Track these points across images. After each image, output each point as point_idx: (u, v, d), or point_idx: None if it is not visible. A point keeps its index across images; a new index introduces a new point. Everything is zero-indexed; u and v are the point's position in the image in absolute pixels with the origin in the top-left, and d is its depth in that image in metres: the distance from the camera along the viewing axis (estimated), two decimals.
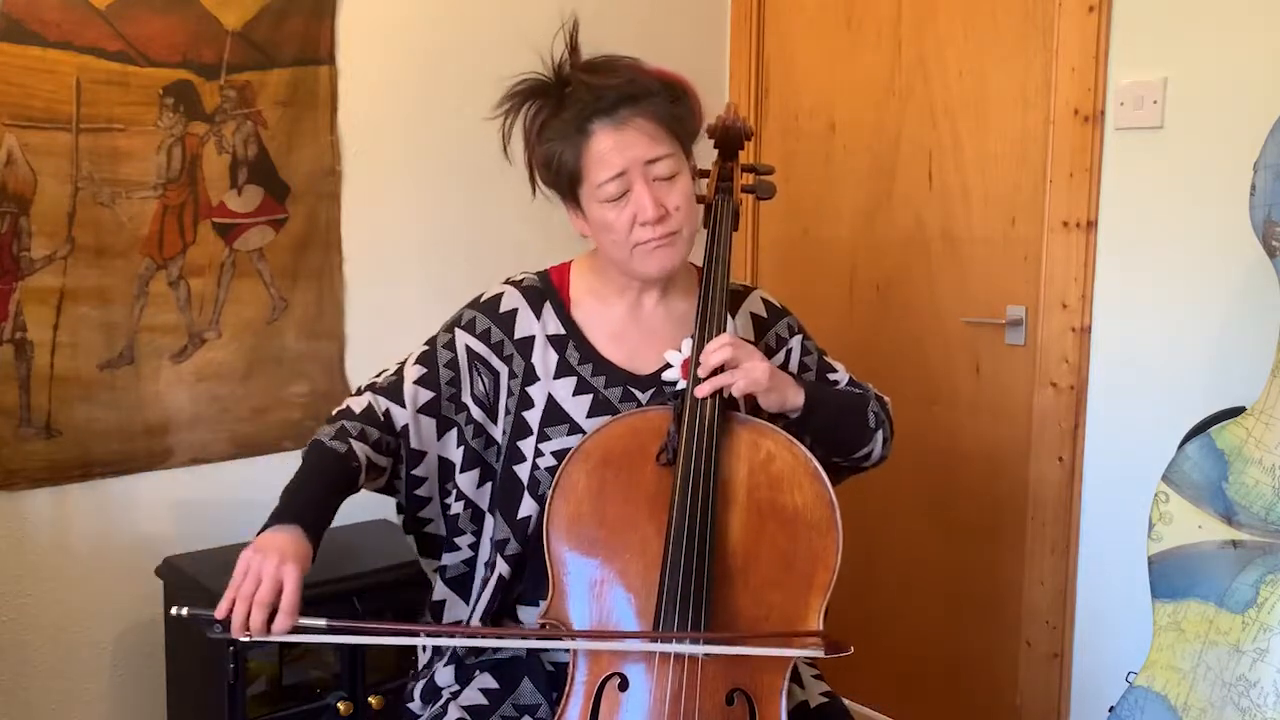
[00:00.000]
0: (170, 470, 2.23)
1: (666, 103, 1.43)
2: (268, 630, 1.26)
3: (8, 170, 1.98)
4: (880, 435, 1.60)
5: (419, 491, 1.54)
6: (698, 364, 1.43)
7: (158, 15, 2.11)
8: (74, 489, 2.13)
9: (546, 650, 1.47)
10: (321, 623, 1.28)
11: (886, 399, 1.66)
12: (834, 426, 1.55)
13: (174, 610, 1.29)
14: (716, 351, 1.41)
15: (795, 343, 1.63)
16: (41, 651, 2.12)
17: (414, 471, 1.52)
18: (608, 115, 1.40)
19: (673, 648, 1.32)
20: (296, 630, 1.27)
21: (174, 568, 2.14)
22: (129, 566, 2.19)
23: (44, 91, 2.00)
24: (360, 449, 1.44)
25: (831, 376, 1.65)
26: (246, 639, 1.27)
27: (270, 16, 2.24)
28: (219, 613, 1.27)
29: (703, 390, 1.41)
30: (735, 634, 1.35)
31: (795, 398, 1.47)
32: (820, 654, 1.32)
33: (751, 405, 1.56)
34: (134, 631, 2.22)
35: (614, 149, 1.40)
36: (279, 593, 1.26)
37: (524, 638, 1.47)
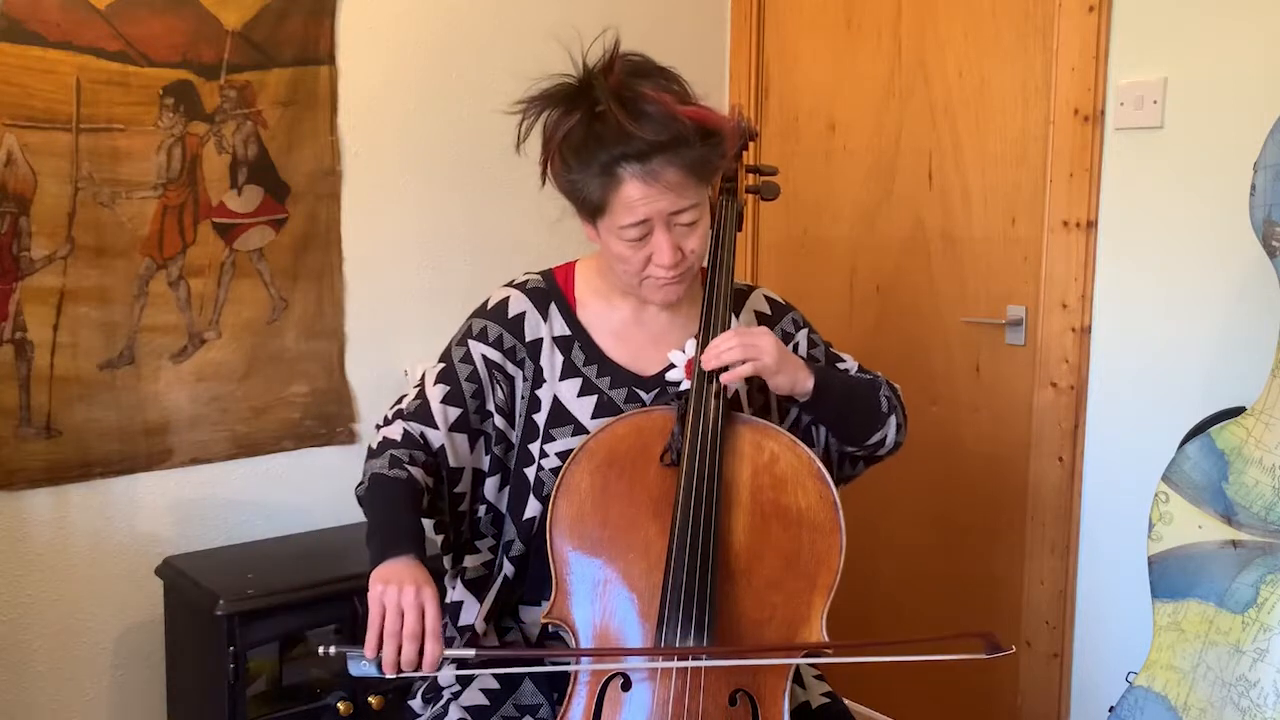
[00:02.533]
0: (170, 470, 2.23)
1: (700, 150, 1.38)
2: (420, 664, 1.24)
3: (8, 170, 1.98)
4: (894, 420, 1.58)
5: (461, 508, 1.53)
6: (702, 363, 1.42)
7: (158, 15, 2.10)
8: (74, 489, 2.13)
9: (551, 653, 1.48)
10: (470, 653, 1.28)
11: (897, 386, 1.64)
12: (846, 410, 1.54)
13: (321, 649, 1.27)
14: (726, 351, 1.40)
15: (802, 337, 1.62)
16: (41, 651, 2.12)
17: (455, 490, 1.51)
18: (639, 162, 1.36)
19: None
20: (447, 662, 1.26)
21: (174, 568, 2.14)
22: (129, 566, 2.20)
23: (44, 91, 2.00)
24: (417, 473, 1.43)
25: (841, 366, 1.64)
26: (395, 676, 1.25)
27: (270, 16, 2.24)
28: (368, 652, 1.24)
29: (709, 364, 1.40)
30: (753, 647, 1.36)
31: (805, 381, 1.46)
32: (981, 655, 1.26)
33: (760, 406, 1.56)
34: (134, 631, 2.22)
35: (642, 200, 1.37)
36: (424, 621, 1.25)
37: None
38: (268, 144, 2.27)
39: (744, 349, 1.40)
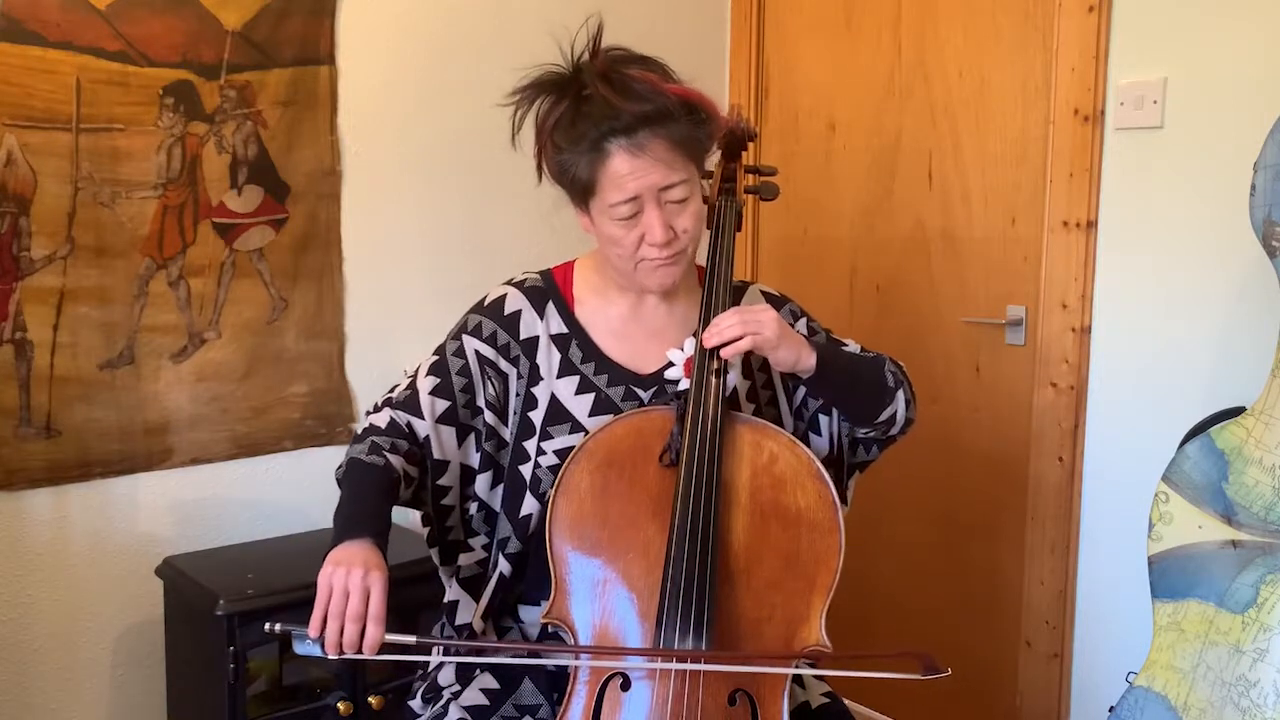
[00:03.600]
0: (170, 470, 2.23)
1: (686, 125, 1.40)
2: (360, 646, 1.25)
3: (8, 170, 1.98)
4: (902, 395, 1.57)
5: (444, 501, 1.54)
6: (703, 351, 1.42)
7: (158, 15, 2.11)
8: (74, 489, 2.13)
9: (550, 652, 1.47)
10: (410, 639, 1.28)
11: (901, 364, 1.63)
12: (852, 386, 1.53)
13: (267, 626, 1.28)
14: (727, 328, 1.40)
15: (801, 325, 1.62)
16: (41, 652, 2.12)
17: (439, 482, 1.52)
18: (626, 136, 1.37)
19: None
20: (388, 648, 1.26)
21: (174, 568, 2.14)
22: (129, 566, 2.20)
23: (44, 91, 2.00)
24: (396, 461, 1.44)
25: (844, 349, 1.64)
26: (336, 657, 1.26)
27: (270, 16, 2.24)
28: (312, 631, 1.26)
29: (710, 341, 1.40)
30: (745, 654, 1.35)
31: (807, 357, 1.45)
32: (918, 675, 1.28)
33: (765, 390, 1.55)
34: (134, 631, 2.22)
35: (630, 174, 1.38)
36: (368, 603, 1.26)
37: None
38: (268, 144, 2.27)
39: (744, 325, 1.40)
